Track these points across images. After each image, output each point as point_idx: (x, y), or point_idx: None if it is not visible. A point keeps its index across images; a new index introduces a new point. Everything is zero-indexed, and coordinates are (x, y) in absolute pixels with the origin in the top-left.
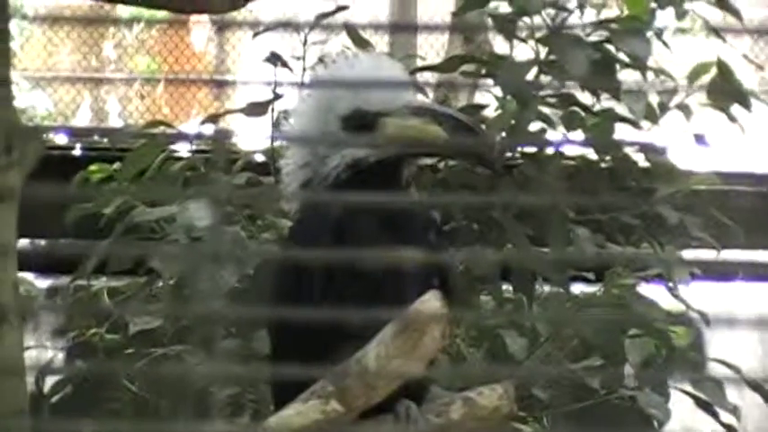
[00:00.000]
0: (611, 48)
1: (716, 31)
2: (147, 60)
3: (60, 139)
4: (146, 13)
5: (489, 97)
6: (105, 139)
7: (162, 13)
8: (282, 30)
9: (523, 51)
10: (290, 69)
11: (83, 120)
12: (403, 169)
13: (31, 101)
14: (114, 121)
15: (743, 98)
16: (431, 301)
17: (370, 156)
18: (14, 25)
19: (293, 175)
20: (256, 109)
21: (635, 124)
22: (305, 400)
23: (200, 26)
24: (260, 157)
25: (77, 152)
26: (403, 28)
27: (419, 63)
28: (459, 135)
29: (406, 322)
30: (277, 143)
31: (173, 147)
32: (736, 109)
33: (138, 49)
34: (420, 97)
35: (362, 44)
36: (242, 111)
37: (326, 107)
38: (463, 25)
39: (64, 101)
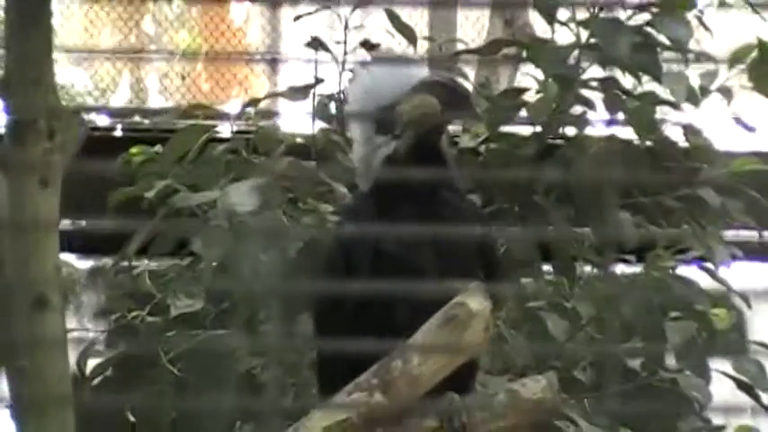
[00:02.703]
0: (652, 31)
1: (756, 10)
2: (187, 37)
3: (101, 120)
4: None
5: (530, 80)
6: (146, 120)
7: None
8: (323, 11)
9: (564, 35)
10: (332, 53)
11: (121, 97)
12: (441, 154)
13: (69, 78)
14: (153, 99)
15: None
16: (474, 295)
17: (399, 147)
18: (55, 4)
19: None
20: (297, 93)
21: (676, 107)
22: (349, 392)
23: (239, 2)
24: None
25: (118, 133)
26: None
27: (460, 47)
28: (448, 99)
29: (449, 316)
30: (317, 127)
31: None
32: None
33: (178, 26)
34: (429, 72)
35: (403, 29)
36: (282, 94)
37: (362, 119)
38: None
39: (103, 78)
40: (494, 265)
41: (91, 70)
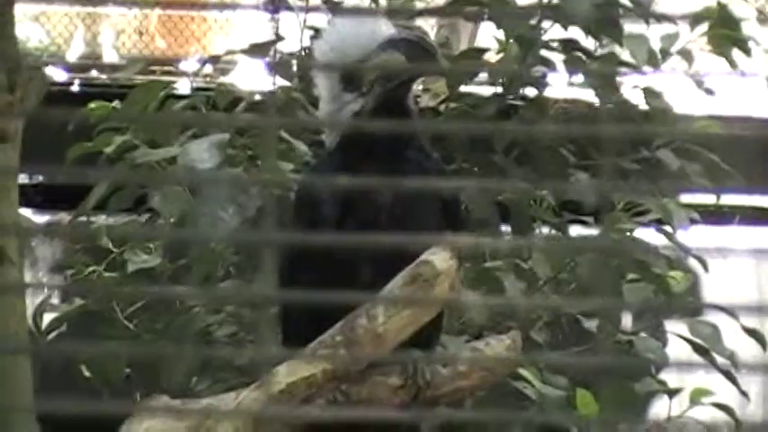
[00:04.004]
0: None
1: None
2: None
3: (58, 75)
4: None
5: (490, 40)
6: (104, 76)
7: None
8: None
9: None
10: (293, 10)
11: (76, 53)
12: (407, 112)
13: (24, 32)
14: (108, 55)
15: (742, 44)
16: (440, 253)
17: (366, 104)
18: None
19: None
20: (258, 50)
21: (636, 69)
22: (314, 349)
23: None
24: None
25: (75, 88)
26: None
27: (419, 5)
28: (415, 56)
29: (414, 274)
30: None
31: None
32: (736, 53)
33: None
34: (394, 31)
35: None
36: (243, 51)
37: (327, 76)
38: None
39: (60, 33)
40: (458, 222)
41: (47, 25)
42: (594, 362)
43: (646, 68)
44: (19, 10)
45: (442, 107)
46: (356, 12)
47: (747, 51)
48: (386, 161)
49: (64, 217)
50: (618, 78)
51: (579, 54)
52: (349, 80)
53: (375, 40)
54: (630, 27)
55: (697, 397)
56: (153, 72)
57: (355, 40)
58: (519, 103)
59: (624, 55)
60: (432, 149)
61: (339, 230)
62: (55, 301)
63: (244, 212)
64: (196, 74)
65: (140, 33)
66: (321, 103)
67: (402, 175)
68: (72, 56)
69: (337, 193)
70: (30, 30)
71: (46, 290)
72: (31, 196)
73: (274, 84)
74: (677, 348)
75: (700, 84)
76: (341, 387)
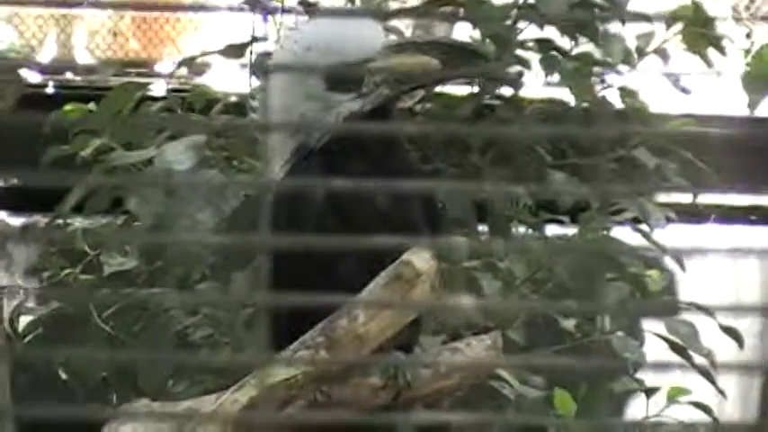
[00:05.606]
0: None
1: None
2: None
3: (32, 77)
4: None
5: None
6: (78, 77)
7: None
8: None
9: None
10: (270, 12)
11: (48, 54)
12: (393, 113)
13: None
14: (81, 55)
15: (717, 42)
16: (421, 254)
17: (365, 105)
18: None
19: (282, 144)
20: (233, 51)
21: (612, 68)
22: (295, 350)
23: None
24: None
25: (50, 90)
26: None
27: (394, 5)
28: (452, 58)
29: (395, 274)
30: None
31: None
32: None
33: None
34: (392, 37)
35: None
36: (219, 52)
37: (305, 74)
38: None
39: (24, 34)
40: (438, 222)
41: (19, 26)
42: (579, 365)
43: (621, 67)
44: None
45: (418, 107)
46: (336, 12)
47: (722, 50)
48: (372, 162)
49: (39, 219)
50: (593, 77)
51: (555, 53)
52: (339, 80)
53: (373, 40)
54: (606, 26)
55: (674, 396)
56: (128, 74)
57: (348, 39)
58: (495, 102)
59: (600, 54)
60: (416, 148)
61: (320, 229)
62: (31, 303)
63: (221, 213)
64: (171, 75)
65: (114, 34)
66: (287, 102)
67: (388, 174)
68: (44, 57)
69: (319, 192)
70: (1, 31)
71: (22, 293)
72: (4, 198)
73: (251, 85)
74: (655, 347)
75: (676, 82)
76: (321, 388)
